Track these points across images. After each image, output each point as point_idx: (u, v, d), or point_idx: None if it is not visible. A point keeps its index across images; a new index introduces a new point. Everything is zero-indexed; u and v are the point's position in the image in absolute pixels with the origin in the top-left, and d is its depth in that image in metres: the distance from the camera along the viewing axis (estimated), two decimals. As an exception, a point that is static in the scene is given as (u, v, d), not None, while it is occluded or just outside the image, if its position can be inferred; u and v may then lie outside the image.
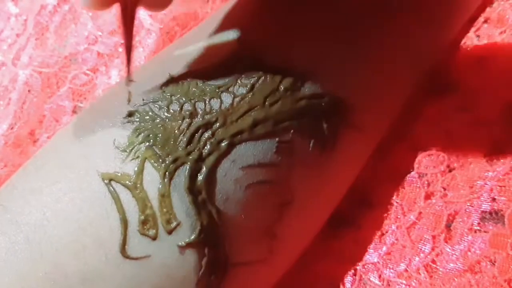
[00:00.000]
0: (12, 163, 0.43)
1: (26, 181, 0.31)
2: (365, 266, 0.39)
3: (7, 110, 0.44)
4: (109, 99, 0.33)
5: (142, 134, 0.31)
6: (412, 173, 0.40)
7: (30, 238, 0.30)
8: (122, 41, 0.30)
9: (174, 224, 0.30)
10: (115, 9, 0.28)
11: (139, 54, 0.44)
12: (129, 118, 0.32)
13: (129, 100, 0.32)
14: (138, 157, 0.31)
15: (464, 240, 0.38)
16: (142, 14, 0.45)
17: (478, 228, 0.37)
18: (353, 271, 0.39)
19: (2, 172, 0.43)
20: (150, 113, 0.31)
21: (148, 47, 0.44)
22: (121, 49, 0.44)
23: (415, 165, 0.41)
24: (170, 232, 0.30)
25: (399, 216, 0.40)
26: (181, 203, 0.30)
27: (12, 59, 0.44)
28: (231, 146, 0.31)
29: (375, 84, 0.35)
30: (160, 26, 0.44)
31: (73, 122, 0.35)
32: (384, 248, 0.39)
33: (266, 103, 0.31)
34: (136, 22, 0.44)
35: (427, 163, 0.40)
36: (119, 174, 0.30)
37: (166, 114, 0.31)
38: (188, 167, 0.30)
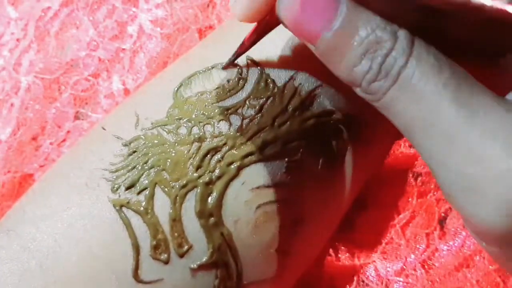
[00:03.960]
0: (15, 169, 0.42)
1: (36, 207, 0.30)
2: (363, 266, 0.39)
3: (9, 115, 0.42)
4: (116, 123, 0.32)
5: (152, 159, 0.30)
6: (405, 172, 0.40)
7: (43, 264, 0.29)
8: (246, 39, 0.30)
9: (186, 247, 0.29)
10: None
11: (140, 60, 0.43)
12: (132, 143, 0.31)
13: (137, 124, 0.31)
14: (148, 182, 0.29)
15: (457, 236, 0.38)
16: (143, 19, 0.43)
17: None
18: (350, 271, 0.39)
19: (5, 178, 0.42)
20: (159, 137, 0.30)
21: (149, 52, 0.43)
22: (122, 55, 0.43)
23: (409, 165, 0.40)
24: (182, 256, 0.29)
25: (393, 215, 0.40)
26: (192, 227, 0.29)
27: (14, 64, 0.42)
28: (240, 168, 0.30)
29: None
30: (160, 30, 0.43)
31: (80, 144, 0.34)
32: (380, 247, 0.39)
33: (275, 123, 0.30)
34: (137, 28, 0.42)
35: (421, 162, 0.40)
36: (130, 200, 0.29)
37: (175, 138, 0.30)
38: (198, 191, 0.29)
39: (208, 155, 0.30)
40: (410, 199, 0.40)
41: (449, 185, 0.24)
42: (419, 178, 0.40)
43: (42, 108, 0.42)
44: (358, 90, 0.26)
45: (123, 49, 0.43)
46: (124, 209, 0.29)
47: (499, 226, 0.23)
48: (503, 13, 0.20)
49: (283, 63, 0.32)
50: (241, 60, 0.31)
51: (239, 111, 0.30)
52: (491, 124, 0.23)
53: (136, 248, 0.29)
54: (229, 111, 0.30)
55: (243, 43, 0.30)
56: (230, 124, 0.30)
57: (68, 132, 0.42)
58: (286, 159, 0.30)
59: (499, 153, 0.22)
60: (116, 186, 0.29)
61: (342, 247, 0.40)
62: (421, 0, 0.22)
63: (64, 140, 0.42)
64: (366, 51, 0.24)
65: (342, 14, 0.24)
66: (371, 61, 0.24)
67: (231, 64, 0.31)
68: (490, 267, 0.37)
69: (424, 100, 0.23)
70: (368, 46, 0.24)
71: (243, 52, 0.30)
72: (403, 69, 0.24)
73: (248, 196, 0.30)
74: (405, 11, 0.24)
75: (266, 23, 0.28)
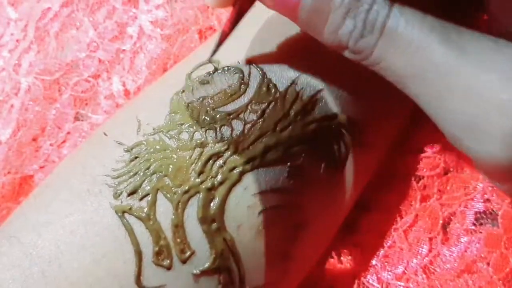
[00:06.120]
0: (15, 171, 0.42)
1: (38, 213, 0.30)
2: (364, 269, 0.39)
3: (9, 117, 0.42)
4: (117, 128, 0.32)
5: (154, 164, 0.30)
6: (408, 176, 0.40)
7: (45, 271, 0.29)
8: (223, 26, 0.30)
9: (188, 253, 0.29)
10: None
11: (140, 61, 0.43)
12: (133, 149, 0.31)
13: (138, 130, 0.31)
14: (150, 188, 0.29)
15: (460, 241, 0.38)
16: (143, 20, 0.43)
17: (473, 228, 0.37)
18: (352, 274, 0.39)
19: (5, 179, 0.42)
20: (161, 143, 0.30)
21: (149, 53, 0.43)
22: (122, 56, 0.43)
23: (412, 168, 0.40)
24: (184, 262, 0.29)
25: (396, 219, 0.40)
26: (194, 233, 0.29)
27: (13, 65, 0.42)
28: (243, 174, 0.30)
29: (382, 103, 0.34)
30: (161, 31, 0.43)
31: (82, 149, 0.33)
32: (382, 251, 0.39)
33: (277, 128, 0.30)
34: (137, 29, 0.42)
35: (424, 165, 0.40)
36: (132, 206, 0.29)
37: (176, 143, 0.30)
38: (200, 197, 0.29)
39: (210, 161, 0.30)
40: (413, 203, 0.40)
41: (451, 127, 0.24)
42: (421, 181, 0.40)
43: (42, 109, 0.42)
44: (346, 53, 0.26)
45: (123, 50, 0.42)
46: (126, 215, 0.29)
47: (508, 158, 0.22)
48: None
49: (285, 67, 0.32)
50: (243, 65, 0.31)
51: (241, 116, 0.30)
52: (483, 57, 0.23)
53: (139, 254, 0.29)
54: (231, 116, 0.30)
55: (223, 31, 0.30)
56: (232, 129, 0.30)
57: (68, 133, 0.42)
58: (288, 164, 0.30)
59: (497, 84, 0.22)
60: (118, 192, 0.29)
61: (344, 250, 0.40)
62: None
63: (64, 141, 0.42)
64: (347, 10, 0.25)
65: None
66: (354, 19, 0.25)
67: (214, 54, 0.31)
68: (494, 276, 0.37)
69: (413, 46, 0.24)
70: (348, 5, 0.25)
71: (224, 40, 0.30)
72: (387, 20, 0.24)
73: (251, 201, 0.30)
74: None
75: (241, 5, 0.28)
